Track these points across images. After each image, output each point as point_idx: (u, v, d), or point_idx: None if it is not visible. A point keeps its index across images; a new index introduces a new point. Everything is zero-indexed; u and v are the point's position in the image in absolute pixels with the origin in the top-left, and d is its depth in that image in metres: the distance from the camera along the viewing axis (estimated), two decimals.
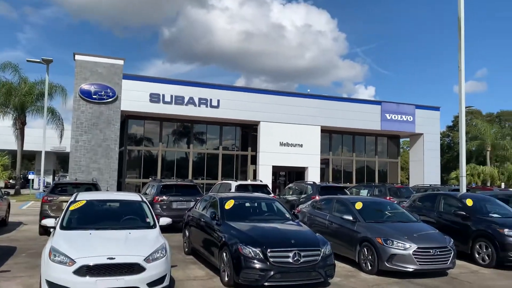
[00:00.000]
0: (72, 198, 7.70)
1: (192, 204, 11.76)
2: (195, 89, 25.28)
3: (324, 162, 30.41)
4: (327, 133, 30.04)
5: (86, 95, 22.52)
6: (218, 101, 25.56)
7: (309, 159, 27.92)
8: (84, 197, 7.77)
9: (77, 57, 22.85)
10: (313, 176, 26.98)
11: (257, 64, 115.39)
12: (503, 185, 31.46)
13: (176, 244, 10.55)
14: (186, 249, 9.91)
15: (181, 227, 10.64)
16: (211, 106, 25.44)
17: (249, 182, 17.77)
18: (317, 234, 7.86)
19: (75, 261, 5.74)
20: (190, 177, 25.76)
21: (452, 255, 8.32)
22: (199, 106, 25.17)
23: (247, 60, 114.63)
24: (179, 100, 24.71)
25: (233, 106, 25.84)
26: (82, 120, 22.50)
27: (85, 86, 22.59)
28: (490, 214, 10.37)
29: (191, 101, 24.98)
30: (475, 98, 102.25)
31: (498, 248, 9.20)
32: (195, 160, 27.60)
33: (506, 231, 9.30)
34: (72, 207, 7.29)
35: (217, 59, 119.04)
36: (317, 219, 10.56)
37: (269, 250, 6.78)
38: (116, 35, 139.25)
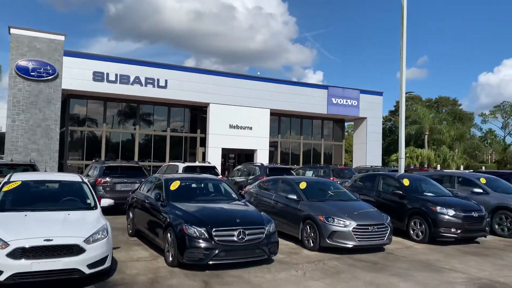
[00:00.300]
0: (5, 179, 7.31)
1: (137, 186, 11.54)
2: (141, 68, 24.50)
3: (273, 145, 30.79)
4: (276, 116, 30.35)
5: (23, 72, 21.17)
6: (166, 81, 24.96)
7: (259, 141, 28.15)
8: (20, 177, 7.40)
9: (13, 30, 21.34)
10: (262, 158, 27.30)
11: (207, 45, 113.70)
12: (438, 167, 33.46)
13: (120, 226, 10.36)
14: (130, 231, 9.75)
15: (125, 210, 10.43)
16: (159, 86, 24.80)
17: (197, 164, 17.67)
18: (262, 213, 8.01)
19: (8, 244, 5.48)
20: (136, 159, 25.13)
21: (388, 231, 8.79)
22: (145, 86, 24.45)
23: (197, 40, 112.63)
24: (124, 79, 23.86)
25: (181, 87, 25.36)
26: (19, 98, 21.19)
27: (22, 62, 21.21)
28: (425, 193, 11.04)
29: (137, 80, 24.20)
30: (416, 84, 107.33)
31: (431, 225, 9.85)
32: (141, 142, 26.94)
33: (438, 208, 9.95)
34: (5, 188, 6.94)
35: (166, 38, 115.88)
36: (263, 199, 10.75)
37: (214, 229, 6.84)
38: (57, 9, 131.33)
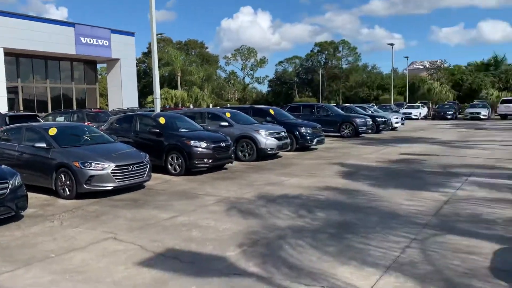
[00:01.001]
0: None
1: None
2: None
3: (13, 91, 26.67)
4: (13, 57, 26.07)
5: None
6: None
7: None
8: None
9: None
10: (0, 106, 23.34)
11: None
12: (191, 106, 35.90)
13: None
14: None
15: None
16: None
17: None
18: (3, 166, 6.96)
19: None
20: None
21: (148, 169, 9.02)
22: None
23: None
24: None
25: None
26: None
27: None
28: (180, 130, 11.73)
29: None
30: (166, 26, 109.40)
31: (187, 158, 10.63)
32: None
33: (192, 142, 10.78)
34: None
35: None
36: (4, 151, 9.33)
37: None
38: None
